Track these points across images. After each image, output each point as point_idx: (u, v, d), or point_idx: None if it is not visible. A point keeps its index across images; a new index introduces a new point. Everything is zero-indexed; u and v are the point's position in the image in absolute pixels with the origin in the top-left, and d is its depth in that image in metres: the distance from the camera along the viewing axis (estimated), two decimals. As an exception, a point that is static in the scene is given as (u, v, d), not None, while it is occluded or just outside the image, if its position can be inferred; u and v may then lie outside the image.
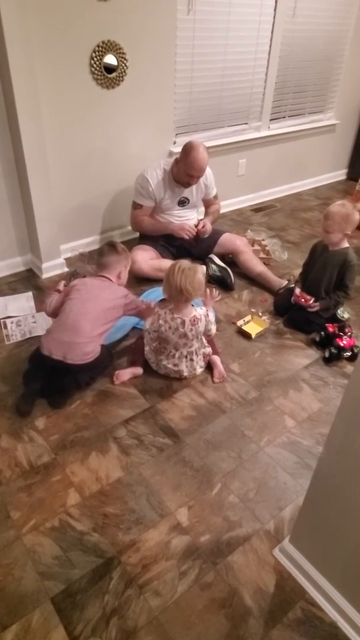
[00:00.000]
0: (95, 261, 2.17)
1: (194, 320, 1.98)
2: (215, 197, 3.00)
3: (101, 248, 2.22)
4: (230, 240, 2.94)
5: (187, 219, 2.88)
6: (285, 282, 2.73)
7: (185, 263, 1.94)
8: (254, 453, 1.83)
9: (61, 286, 2.19)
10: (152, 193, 2.70)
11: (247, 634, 1.31)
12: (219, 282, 2.81)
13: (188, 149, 2.57)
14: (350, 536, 1.21)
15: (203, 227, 2.81)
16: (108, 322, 2.06)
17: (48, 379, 1.97)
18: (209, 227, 2.84)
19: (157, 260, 2.78)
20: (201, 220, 2.89)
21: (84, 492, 1.64)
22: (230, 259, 2.96)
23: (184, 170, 2.62)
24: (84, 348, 1.94)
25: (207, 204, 3.01)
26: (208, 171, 2.79)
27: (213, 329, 2.09)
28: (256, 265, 2.86)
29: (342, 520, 1.21)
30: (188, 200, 2.83)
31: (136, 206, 2.79)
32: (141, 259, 2.73)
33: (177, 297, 1.94)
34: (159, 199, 2.75)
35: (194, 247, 2.94)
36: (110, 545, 1.49)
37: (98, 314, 2.00)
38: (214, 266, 2.86)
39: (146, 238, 2.91)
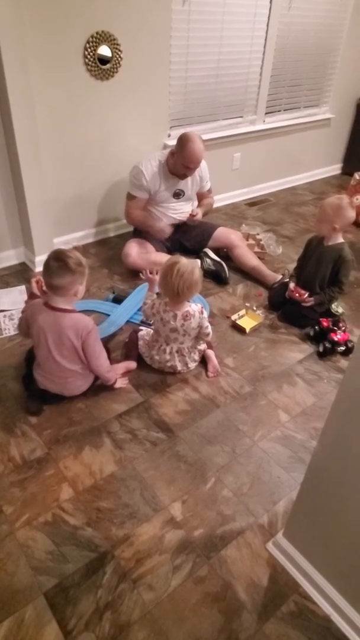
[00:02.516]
0: (43, 279, 1.77)
1: (187, 316, 1.97)
2: (209, 191, 2.99)
3: (48, 263, 1.69)
4: (225, 234, 2.93)
5: (182, 211, 2.86)
6: (279, 277, 2.73)
7: (184, 264, 1.88)
8: (248, 447, 1.83)
9: (34, 288, 1.93)
10: (145, 185, 2.68)
11: (240, 627, 1.31)
12: (214, 276, 2.80)
13: (184, 140, 2.55)
14: (344, 530, 1.21)
15: (195, 214, 2.80)
16: (90, 356, 1.84)
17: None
18: (199, 216, 2.83)
19: (152, 254, 2.77)
20: (196, 208, 2.89)
21: (77, 487, 1.64)
22: (225, 253, 2.95)
23: (181, 163, 2.60)
24: (76, 382, 1.91)
25: (201, 197, 2.99)
26: (203, 164, 2.78)
27: (209, 329, 2.07)
28: (251, 259, 2.86)
29: (336, 514, 1.21)
30: (183, 192, 2.81)
31: (130, 197, 2.77)
32: (135, 253, 2.72)
33: (174, 298, 1.93)
34: (153, 190, 2.73)
35: (189, 241, 2.93)
36: (103, 539, 1.49)
37: (72, 354, 1.81)
38: (208, 260, 2.85)
39: (140, 231, 2.89)
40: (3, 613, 1.30)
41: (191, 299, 2.03)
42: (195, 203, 3.02)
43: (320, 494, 1.24)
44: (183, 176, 2.71)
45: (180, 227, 2.91)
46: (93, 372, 1.92)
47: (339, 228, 2.30)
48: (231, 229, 3.04)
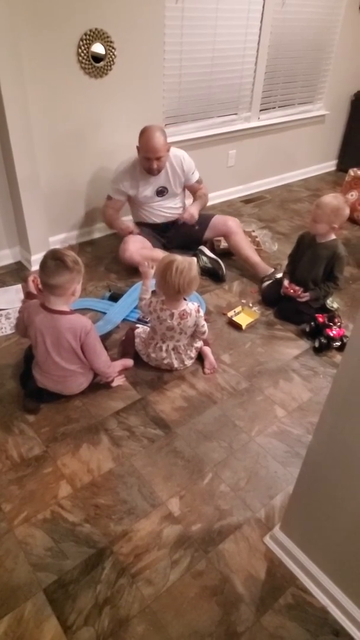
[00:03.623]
0: (40, 279, 1.75)
1: (183, 314, 1.98)
2: (198, 181, 2.92)
3: (45, 263, 1.68)
4: (222, 221, 2.90)
5: (171, 208, 2.86)
6: (271, 270, 2.74)
7: (181, 262, 1.88)
8: (245, 443, 1.84)
9: (31, 287, 1.93)
10: (122, 188, 2.70)
11: (238, 620, 1.32)
12: (210, 273, 2.81)
13: (142, 131, 2.57)
14: (340, 523, 1.22)
15: (190, 216, 2.78)
16: (91, 355, 1.85)
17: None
18: (195, 215, 2.80)
19: (149, 250, 2.76)
20: (189, 207, 2.85)
21: (75, 484, 1.65)
22: (222, 250, 2.95)
23: (142, 154, 2.60)
24: (76, 381, 1.92)
25: (192, 189, 2.93)
26: (184, 155, 2.75)
27: (206, 328, 2.08)
28: (245, 248, 2.84)
29: (332, 507, 1.23)
30: (166, 189, 2.80)
31: (107, 197, 2.80)
32: (133, 249, 2.71)
33: (174, 296, 1.93)
34: (133, 192, 2.73)
35: (185, 234, 2.92)
36: (102, 535, 1.50)
37: (71, 355, 1.81)
38: (204, 258, 2.85)
39: (137, 228, 2.89)
40: (3, 609, 1.31)
41: (189, 296, 2.04)
42: (190, 200, 3.00)
43: (316, 488, 1.25)
44: (149, 170, 2.64)
45: (174, 223, 2.90)
46: (93, 369, 1.92)
47: (338, 227, 2.32)
48: (228, 215, 3.01)
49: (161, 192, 2.79)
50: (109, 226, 2.94)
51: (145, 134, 2.55)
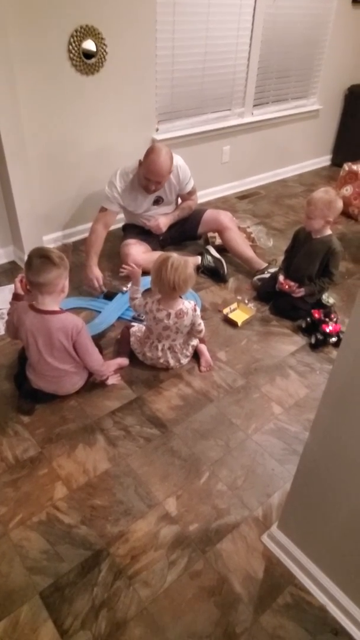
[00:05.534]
0: (27, 278, 1.72)
1: (180, 314, 1.96)
2: (190, 192, 2.86)
3: (30, 261, 1.65)
4: (213, 216, 2.88)
5: (164, 213, 2.81)
6: (264, 265, 2.72)
7: (176, 259, 1.87)
8: (242, 441, 1.82)
9: (18, 288, 1.86)
10: (119, 199, 2.61)
11: (237, 620, 1.31)
12: (212, 272, 2.78)
13: (149, 151, 2.49)
14: (337, 520, 1.21)
15: (155, 226, 2.73)
16: (83, 354, 1.84)
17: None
18: (162, 226, 2.75)
19: (150, 253, 2.72)
20: (160, 216, 2.78)
21: (71, 485, 1.63)
22: (216, 246, 2.93)
23: (143, 174, 2.53)
24: (71, 381, 1.90)
25: (182, 198, 2.89)
26: (180, 164, 2.68)
27: (202, 327, 2.06)
28: (240, 244, 2.83)
29: (329, 504, 1.21)
30: (162, 198, 2.76)
31: (101, 209, 2.66)
32: (135, 252, 2.66)
33: (170, 293, 1.92)
34: (131, 203, 2.67)
35: (178, 232, 2.90)
36: (98, 537, 1.48)
37: (63, 355, 1.80)
38: (209, 257, 2.81)
39: (131, 232, 2.85)
40: (-2, 614, 1.30)
41: (185, 294, 2.02)
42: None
43: (313, 485, 1.24)
44: (146, 189, 2.59)
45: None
46: (87, 368, 1.91)
47: (333, 221, 2.31)
48: (220, 210, 2.96)
49: (157, 201, 2.75)
50: (85, 244, 2.68)
51: (151, 155, 2.46)
